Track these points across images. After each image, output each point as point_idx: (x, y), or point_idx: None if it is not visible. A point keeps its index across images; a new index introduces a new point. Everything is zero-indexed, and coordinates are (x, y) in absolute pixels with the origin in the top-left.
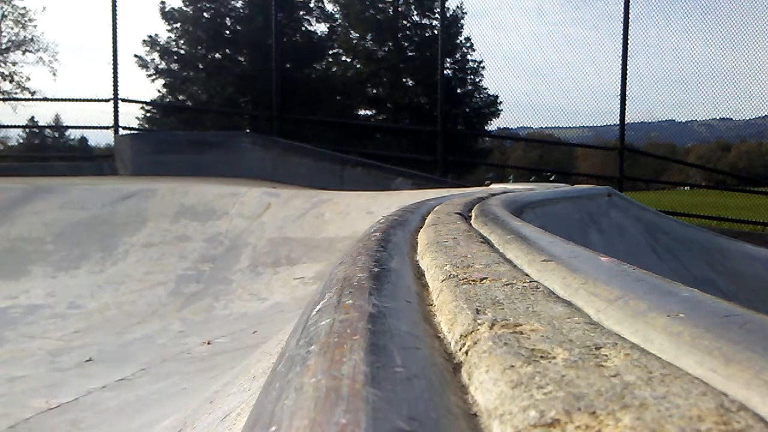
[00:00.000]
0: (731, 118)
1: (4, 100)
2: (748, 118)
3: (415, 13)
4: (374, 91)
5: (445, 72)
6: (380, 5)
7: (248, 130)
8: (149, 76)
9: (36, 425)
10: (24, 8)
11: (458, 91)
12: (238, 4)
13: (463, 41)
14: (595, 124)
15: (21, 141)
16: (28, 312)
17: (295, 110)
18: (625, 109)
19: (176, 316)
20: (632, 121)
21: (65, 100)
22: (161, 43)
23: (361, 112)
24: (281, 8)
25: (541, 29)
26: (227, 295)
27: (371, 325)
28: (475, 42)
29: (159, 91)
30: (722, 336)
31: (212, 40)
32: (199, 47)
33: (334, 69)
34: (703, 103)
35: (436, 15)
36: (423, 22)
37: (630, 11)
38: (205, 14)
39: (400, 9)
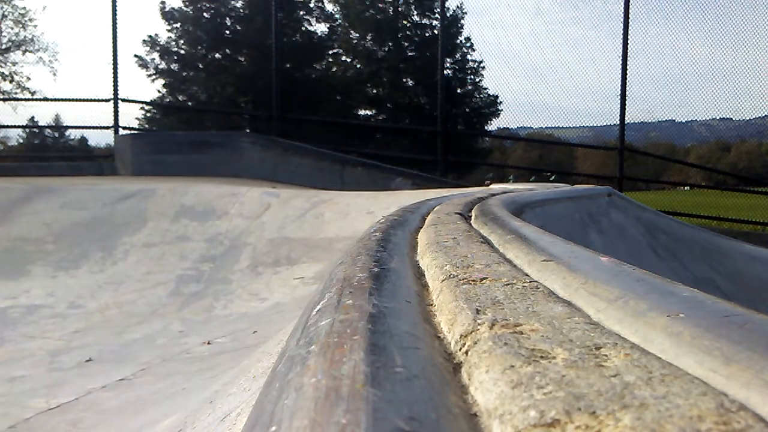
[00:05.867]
0: (731, 118)
1: (4, 100)
2: (748, 118)
3: (415, 13)
4: (374, 91)
5: (445, 72)
6: (380, 5)
7: (248, 130)
8: (149, 76)
9: (36, 425)
10: (24, 8)
11: (458, 91)
12: (238, 4)
13: (463, 41)
14: (595, 124)
15: (21, 141)
16: (28, 312)
17: (295, 110)
18: (625, 109)
19: (176, 316)
20: (632, 121)
21: (65, 100)
22: (161, 43)
23: (361, 112)
24: (281, 8)
25: (541, 28)
26: (227, 295)
27: (371, 325)
28: (475, 41)
29: (159, 91)
30: (722, 336)
31: (212, 40)
32: (199, 47)
33: (334, 69)
34: (703, 103)
35: (436, 15)
36: (423, 22)
37: (630, 10)
38: (205, 14)
39: (400, 9)
